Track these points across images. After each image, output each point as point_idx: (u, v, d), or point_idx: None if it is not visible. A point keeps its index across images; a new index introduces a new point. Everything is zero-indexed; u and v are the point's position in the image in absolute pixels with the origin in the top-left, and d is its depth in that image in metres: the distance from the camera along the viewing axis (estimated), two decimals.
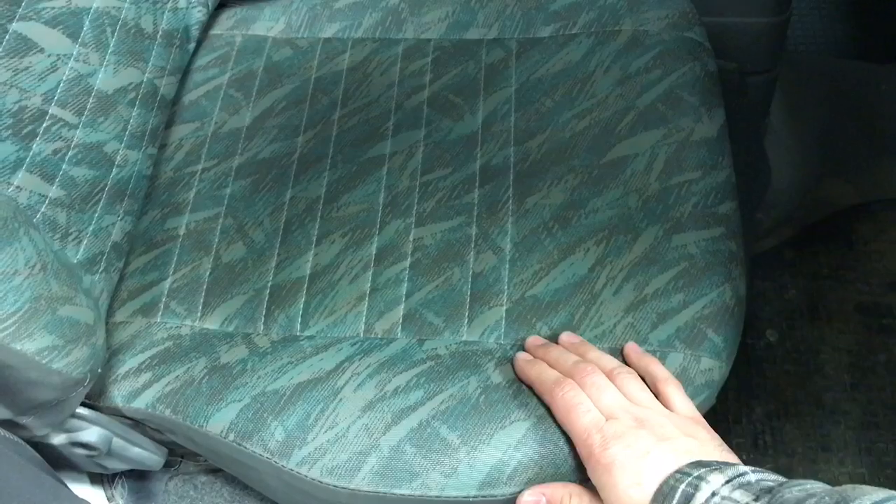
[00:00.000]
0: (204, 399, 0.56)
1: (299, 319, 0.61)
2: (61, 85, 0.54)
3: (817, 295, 1.00)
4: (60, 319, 0.48)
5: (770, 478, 0.43)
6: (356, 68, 0.74)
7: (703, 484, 0.43)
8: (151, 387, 0.57)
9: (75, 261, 0.54)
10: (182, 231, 0.65)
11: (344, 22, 0.77)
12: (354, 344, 0.59)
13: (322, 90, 0.73)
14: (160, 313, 0.62)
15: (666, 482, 0.45)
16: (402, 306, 0.61)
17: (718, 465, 0.44)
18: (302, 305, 0.61)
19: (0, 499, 0.43)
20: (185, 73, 0.74)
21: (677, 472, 0.45)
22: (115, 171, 0.60)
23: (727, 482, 0.43)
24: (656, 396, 0.53)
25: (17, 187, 0.50)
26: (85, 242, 0.56)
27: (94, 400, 0.58)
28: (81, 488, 0.67)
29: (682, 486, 0.44)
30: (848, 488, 0.39)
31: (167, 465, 0.63)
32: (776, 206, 1.01)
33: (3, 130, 0.49)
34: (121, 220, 0.60)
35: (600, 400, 0.51)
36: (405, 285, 0.62)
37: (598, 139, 0.67)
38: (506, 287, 0.61)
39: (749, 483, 0.43)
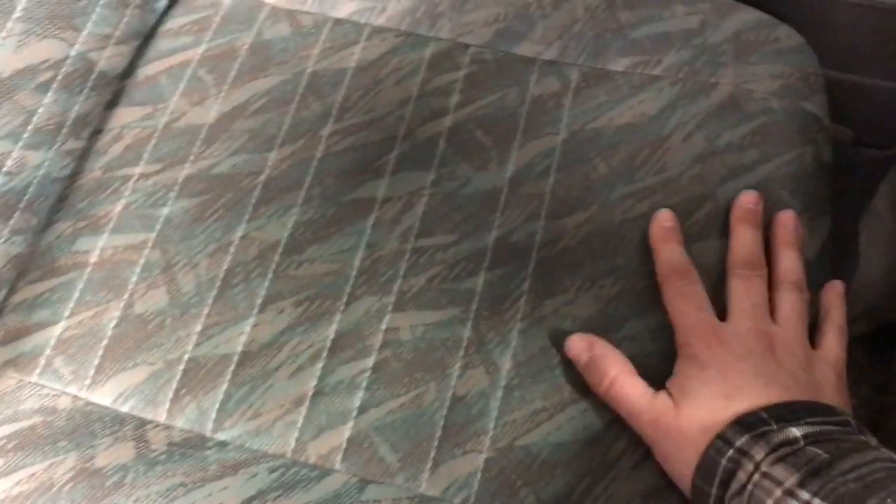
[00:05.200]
0: None
1: (213, 415, 0.46)
2: None
3: (882, 412, 0.83)
4: None
5: (824, 449, 0.36)
6: (366, 68, 0.57)
7: (744, 459, 0.38)
8: None
9: None
10: (94, 258, 0.50)
11: (365, 2, 0.59)
12: (275, 470, 0.44)
13: (316, 91, 0.56)
14: (38, 371, 0.47)
15: (707, 453, 0.39)
16: (351, 425, 0.46)
17: (767, 425, 0.38)
18: (221, 396, 0.46)
19: None
20: (148, 36, 0.57)
21: (719, 437, 0.39)
22: (1, 180, 0.44)
23: (771, 452, 0.37)
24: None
25: None
26: None
27: None
28: None
29: (724, 462, 0.38)
30: None
31: None
32: (859, 297, 0.83)
33: None
34: (3, 242, 0.45)
35: (740, 298, 0.45)
36: (360, 394, 0.46)
37: None
38: (492, 425, 0.45)
39: (797, 453, 0.36)
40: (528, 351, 0.47)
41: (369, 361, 0.47)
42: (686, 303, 0.46)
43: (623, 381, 0.44)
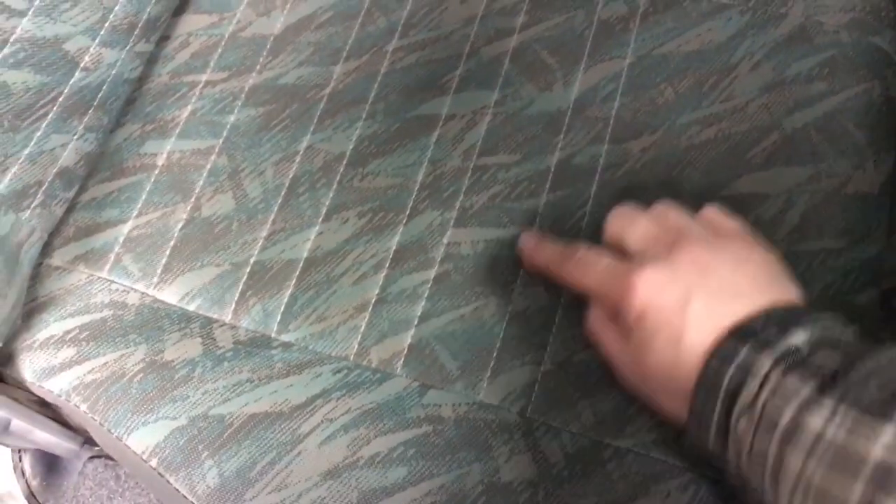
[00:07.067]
0: (131, 404, 0.43)
1: (279, 317, 0.47)
2: None
3: None
4: None
5: (833, 355, 0.34)
6: None
7: (748, 377, 0.35)
8: (70, 369, 0.44)
9: None
10: (161, 161, 0.51)
11: None
12: (339, 372, 0.45)
13: (381, 6, 0.56)
14: (108, 267, 0.48)
15: (705, 373, 0.37)
16: (412, 333, 0.46)
17: (766, 333, 0.36)
18: (286, 299, 0.47)
19: None
20: None
21: (720, 349, 0.36)
22: (78, 75, 0.45)
23: (777, 362, 0.34)
24: None
25: None
26: (14, 170, 0.42)
27: (1, 364, 0.45)
28: None
29: (727, 380, 0.36)
30: None
31: (88, 442, 0.51)
32: None
33: None
34: (78, 139, 0.46)
35: (627, 236, 0.42)
36: (422, 304, 0.47)
37: (722, 161, 0.50)
38: (551, 339, 0.46)
39: (805, 363, 0.34)
40: None
41: (431, 273, 0.48)
42: (586, 269, 0.43)
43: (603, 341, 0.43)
